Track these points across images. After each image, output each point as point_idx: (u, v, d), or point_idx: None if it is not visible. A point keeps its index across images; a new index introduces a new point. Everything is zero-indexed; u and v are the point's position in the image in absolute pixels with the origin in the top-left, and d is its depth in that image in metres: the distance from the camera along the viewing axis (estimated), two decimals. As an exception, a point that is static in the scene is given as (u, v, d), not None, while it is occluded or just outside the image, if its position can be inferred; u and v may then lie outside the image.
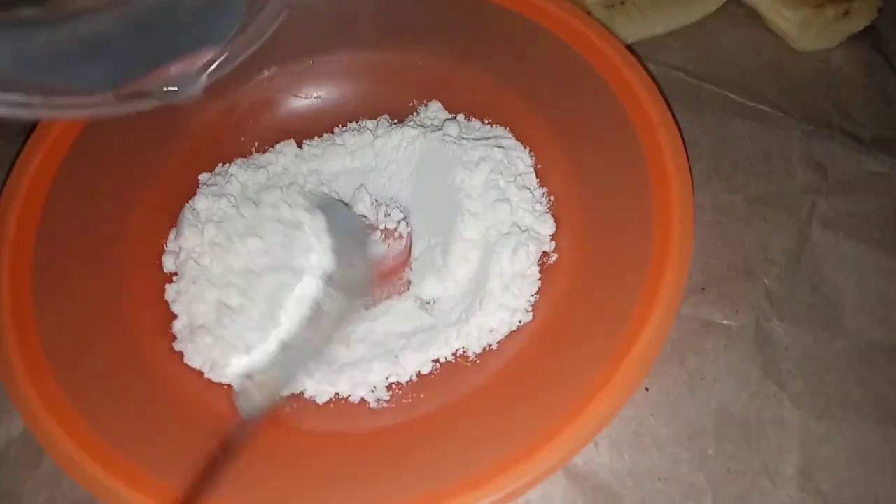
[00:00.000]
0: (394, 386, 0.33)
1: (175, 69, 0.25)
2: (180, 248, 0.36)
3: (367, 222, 0.38)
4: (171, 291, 0.35)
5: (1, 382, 0.30)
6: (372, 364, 0.33)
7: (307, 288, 0.33)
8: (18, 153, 0.36)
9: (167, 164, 0.39)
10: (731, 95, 0.41)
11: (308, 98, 0.43)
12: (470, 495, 0.26)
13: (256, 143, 0.41)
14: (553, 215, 0.36)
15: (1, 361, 0.30)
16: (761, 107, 0.40)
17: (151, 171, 0.38)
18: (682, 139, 0.33)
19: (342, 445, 0.30)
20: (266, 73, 0.42)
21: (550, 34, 0.38)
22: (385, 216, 0.39)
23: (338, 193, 0.39)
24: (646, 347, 0.28)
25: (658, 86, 0.35)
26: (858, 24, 0.43)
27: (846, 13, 0.42)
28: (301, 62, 0.42)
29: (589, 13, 0.42)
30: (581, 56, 0.37)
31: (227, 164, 0.40)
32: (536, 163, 0.38)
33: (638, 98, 0.34)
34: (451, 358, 0.33)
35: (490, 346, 0.33)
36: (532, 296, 0.34)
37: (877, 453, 0.31)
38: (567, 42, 0.38)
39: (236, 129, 0.41)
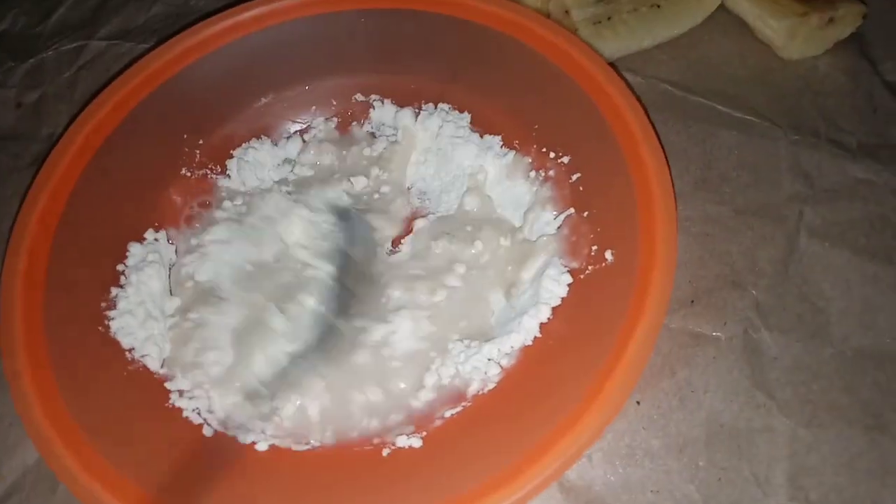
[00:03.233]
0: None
1: None
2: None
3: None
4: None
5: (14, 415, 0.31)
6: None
7: None
8: (29, 185, 0.37)
9: (172, 189, 0.41)
10: (718, 107, 0.41)
11: (304, 123, 0.44)
12: (464, 512, 0.27)
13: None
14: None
15: (16, 393, 0.31)
16: (748, 117, 0.41)
17: (158, 196, 0.40)
18: (665, 154, 0.34)
19: (337, 463, 0.32)
20: (263, 100, 0.43)
21: (537, 54, 0.39)
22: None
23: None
24: (633, 360, 0.29)
25: (641, 102, 0.35)
26: (844, 30, 0.43)
27: (831, 20, 0.42)
28: (296, 88, 0.44)
29: (576, 30, 0.43)
30: (566, 75, 0.38)
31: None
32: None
33: (621, 116, 0.35)
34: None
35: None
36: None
37: (864, 459, 0.31)
38: (553, 62, 0.38)
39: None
